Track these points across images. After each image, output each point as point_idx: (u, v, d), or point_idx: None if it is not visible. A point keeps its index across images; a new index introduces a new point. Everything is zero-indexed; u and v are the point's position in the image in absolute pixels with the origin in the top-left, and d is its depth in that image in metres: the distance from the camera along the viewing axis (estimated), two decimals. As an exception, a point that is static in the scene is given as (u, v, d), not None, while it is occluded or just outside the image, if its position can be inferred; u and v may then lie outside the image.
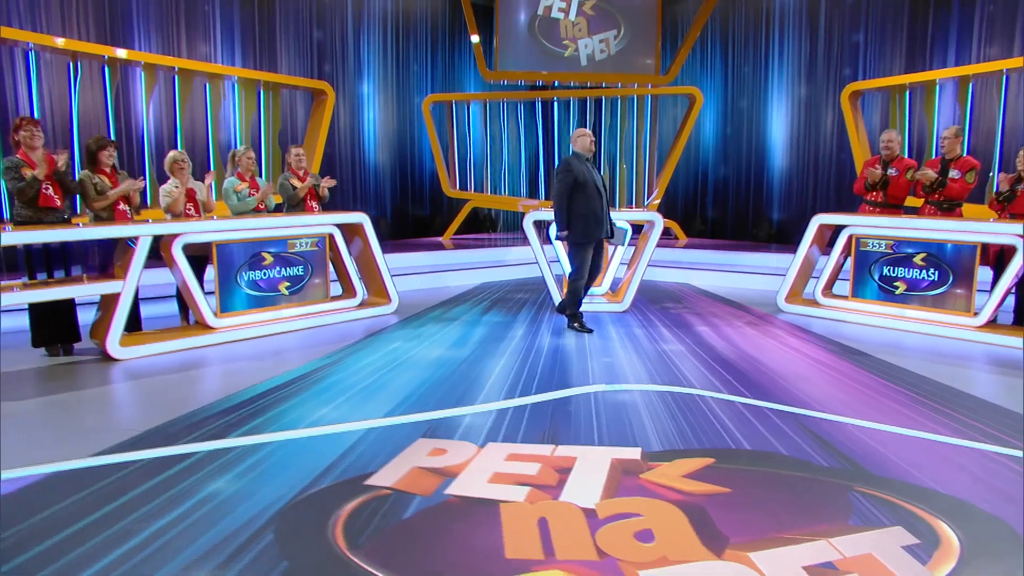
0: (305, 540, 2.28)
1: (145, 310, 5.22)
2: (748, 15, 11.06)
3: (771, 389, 3.93)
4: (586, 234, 5.22)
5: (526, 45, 9.84)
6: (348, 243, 6.22)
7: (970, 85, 7.61)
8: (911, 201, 6.18)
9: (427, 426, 3.36)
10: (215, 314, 5.18)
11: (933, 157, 6.82)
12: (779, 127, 10.79)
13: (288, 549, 2.21)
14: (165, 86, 7.84)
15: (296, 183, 5.98)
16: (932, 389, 3.96)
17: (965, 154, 6.02)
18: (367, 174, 11.76)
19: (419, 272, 8.14)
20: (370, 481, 2.75)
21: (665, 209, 12.02)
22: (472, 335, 5.39)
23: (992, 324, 5.23)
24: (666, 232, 10.64)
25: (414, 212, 12.25)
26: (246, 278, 5.36)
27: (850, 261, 5.85)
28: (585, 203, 5.15)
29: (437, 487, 2.70)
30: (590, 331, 5.41)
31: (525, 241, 6.36)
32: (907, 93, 8.00)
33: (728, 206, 11.47)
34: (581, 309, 5.54)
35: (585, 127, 9.42)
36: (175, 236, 4.93)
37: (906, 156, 6.02)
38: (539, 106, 11.02)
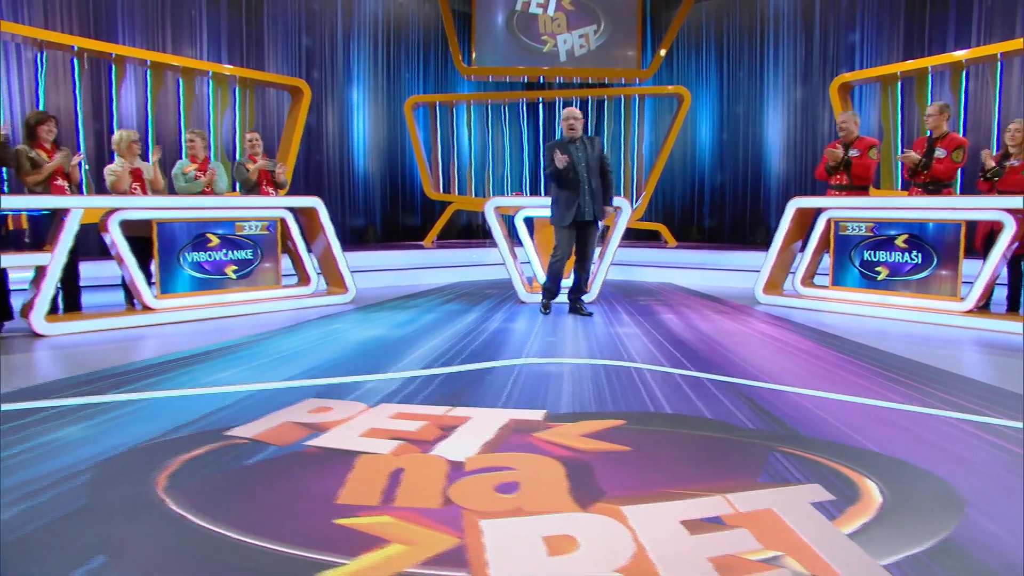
0: (123, 482, 2.02)
1: (102, 298, 5.05)
2: (742, 18, 10.85)
3: (720, 364, 3.58)
4: (559, 216, 5.09)
5: (504, 41, 9.70)
6: (304, 230, 6.01)
7: (964, 73, 7.25)
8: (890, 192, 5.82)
9: (326, 389, 3.07)
10: (155, 295, 4.96)
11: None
12: (776, 131, 10.48)
13: (99, 489, 1.95)
14: (137, 80, 7.80)
15: (249, 166, 5.81)
16: (894, 362, 3.58)
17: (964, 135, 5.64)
18: (356, 182, 11.65)
19: (393, 269, 7.91)
20: (231, 432, 2.47)
21: (661, 216, 11.71)
22: (420, 319, 5.11)
23: (984, 310, 4.83)
24: (655, 236, 10.46)
25: (405, 221, 12.08)
26: (189, 259, 5.15)
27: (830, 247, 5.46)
28: (563, 186, 5.04)
29: (300, 439, 2.42)
30: (547, 311, 5.27)
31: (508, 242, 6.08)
32: (899, 84, 7.65)
33: (725, 213, 11.12)
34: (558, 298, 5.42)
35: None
36: (112, 212, 4.75)
37: (871, 138, 5.65)
38: (523, 107, 10.83)
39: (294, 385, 3.17)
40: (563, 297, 5.52)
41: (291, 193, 10.83)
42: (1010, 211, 4.56)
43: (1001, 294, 5.11)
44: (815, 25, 10.03)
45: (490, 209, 5.95)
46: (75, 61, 6.91)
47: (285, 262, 5.95)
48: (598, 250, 5.97)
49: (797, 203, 5.64)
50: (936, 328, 4.71)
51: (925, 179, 5.25)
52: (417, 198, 12.01)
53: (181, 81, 7.54)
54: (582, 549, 1.63)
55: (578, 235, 5.19)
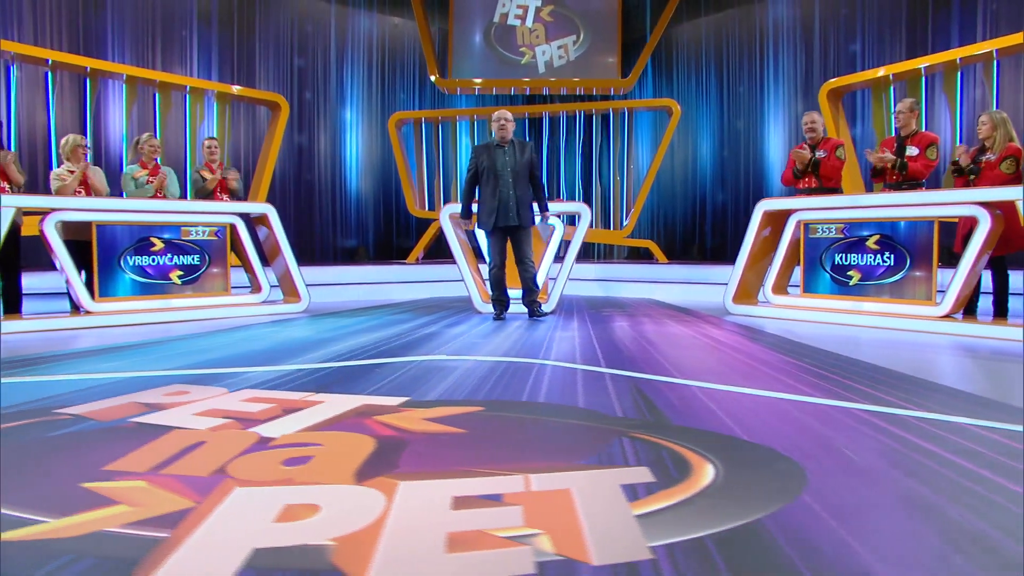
0: None
1: (52, 305, 5.07)
2: (741, 32, 10.75)
3: (635, 362, 3.38)
4: (484, 221, 5.11)
5: (481, 53, 9.73)
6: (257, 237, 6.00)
7: (959, 73, 6.97)
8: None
9: (206, 378, 2.96)
10: (92, 298, 4.96)
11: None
12: (777, 146, 10.25)
13: None
14: (114, 94, 8.00)
15: (206, 175, 5.84)
16: (827, 360, 3.31)
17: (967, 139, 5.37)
18: (348, 202, 11.74)
19: (367, 283, 7.85)
20: (62, 409, 2.37)
21: (662, 236, 11.49)
22: (357, 325, 5.00)
23: (970, 316, 4.52)
24: (646, 255, 10.24)
25: (398, 242, 12.09)
26: (131, 263, 5.15)
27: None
28: (487, 190, 5.05)
29: (127, 416, 2.30)
30: (501, 318, 5.20)
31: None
32: (891, 88, 7.40)
33: (727, 232, 10.85)
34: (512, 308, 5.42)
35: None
36: (47, 213, 4.79)
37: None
38: (521, 123, 10.81)
39: (174, 374, 3.07)
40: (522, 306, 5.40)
41: (282, 211, 11.02)
42: (984, 205, 4.28)
43: (987, 303, 4.79)
44: (815, 35, 9.87)
45: (444, 217, 5.85)
46: (49, 75, 7.12)
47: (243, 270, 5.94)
48: (560, 261, 5.82)
49: (764, 205, 5.41)
50: (910, 335, 4.40)
51: (897, 179, 4.99)
52: (412, 218, 12.01)
53: (158, 95, 7.71)
54: (314, 517, 1.45)
55: (510, 239, 5.16)
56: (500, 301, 5.27)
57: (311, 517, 1.46)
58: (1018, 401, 2.48)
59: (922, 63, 7.11)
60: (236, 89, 8.62)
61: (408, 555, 1.28)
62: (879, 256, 4.76)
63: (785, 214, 5.32)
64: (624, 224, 9.79)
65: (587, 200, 11.19)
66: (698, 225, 11.26)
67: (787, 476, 1.70)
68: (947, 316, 4.46)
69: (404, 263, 9.60)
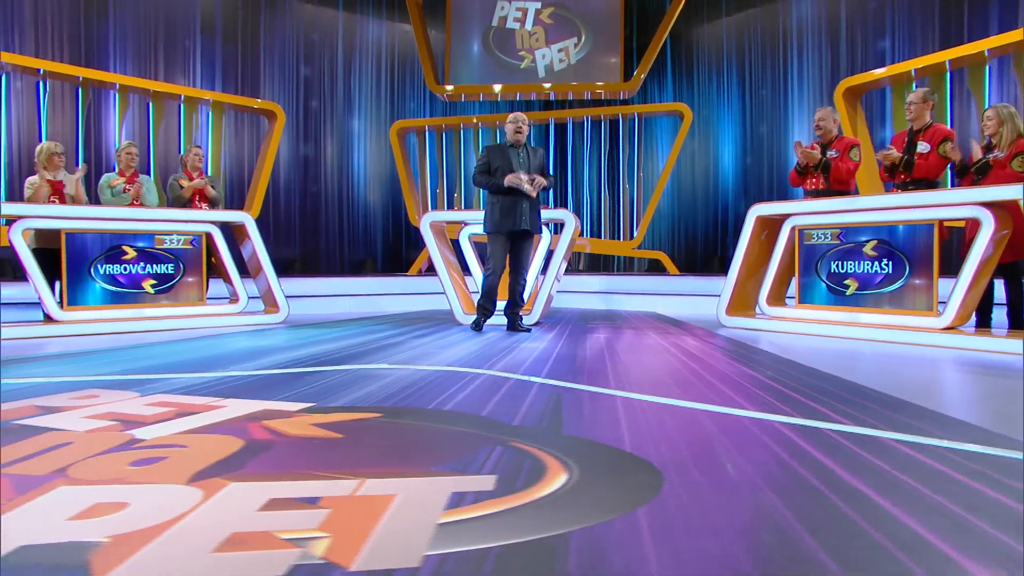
0: None
1: (27, 315, 5.26)
2: (764, 33, 10.61)
3: (580, 373, 3.35)
4: (493, 224, 5.08)
5: (480, 58, 9.79)
6: (240, 246, 6.12)
7: (987, 68, 6.73)
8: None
9: (125, 383, 3.03)
10: (61, 306, 5.12)
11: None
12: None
13: None
14: (107, 103, 8.30)
15: (184, 182, 5.99)
16: (791, 374, 3.20)
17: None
18: (356, 213, 11.90)
19: (359, 295, 7.92)
20: (-47, 413, 2.44)
21: (683, 248, 11.34)
22: (324, 336, 5.04)
23: (984, 329, 4.34)
24: (657, 267, 10.10)
25: (408, 254, 12.18)
26: (102, 271, 5.30)
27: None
28: (500, 193, 5.04)
29: (20, 417, 2.37)
30: (478, 329, 5.19)
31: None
32: (913, 86, 7.17)
33: (751, 243, 10.63)
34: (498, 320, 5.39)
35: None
36: (13, 220, 4.97)
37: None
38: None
39: (100, 379, 3.13)
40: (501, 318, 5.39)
41: (288, 222, 11.26)
42: (987, 205, 4.10)
43: (1001, 315, 4.58)
44: (840, 33, 9.68)
45: (425, 224, 5.88)
46: (41, 85, 7.43)
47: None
48: (549, 270, 5.79)
49: (758, 211, 5.29)
50: (910, 349, 4.22)
51: (905, 179, 4.82)
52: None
53: (152, 105, 7.97)
54: (110, 516, 1.46)
55: (512, 246, 5.11)
56: (486, 310, 5.25)
57: (107, 515, 1.46)
58: (988, 422, 2.36)
59: (947, 56, 6.89)
60: (230, 98, 8.85)
61: (171, 553, 1.27)
62: (877, 263, 4.60)
63: (781, 219, 5.20)
64: (634, 235, 9.68)
65: (596, 210, 11.14)
66: (719, 236, 11.08)
67: (635, 491, 1.63)
68: (950, 328, 4.27)
69: (407, 275, 9.67)
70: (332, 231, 11.78)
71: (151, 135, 7.99)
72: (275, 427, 2.26)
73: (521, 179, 4.96)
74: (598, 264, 12.42)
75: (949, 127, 6.40)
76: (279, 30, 10.97)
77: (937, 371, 3.42)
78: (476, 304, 5.29)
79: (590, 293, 8.17)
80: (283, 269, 11.06)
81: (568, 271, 12.58)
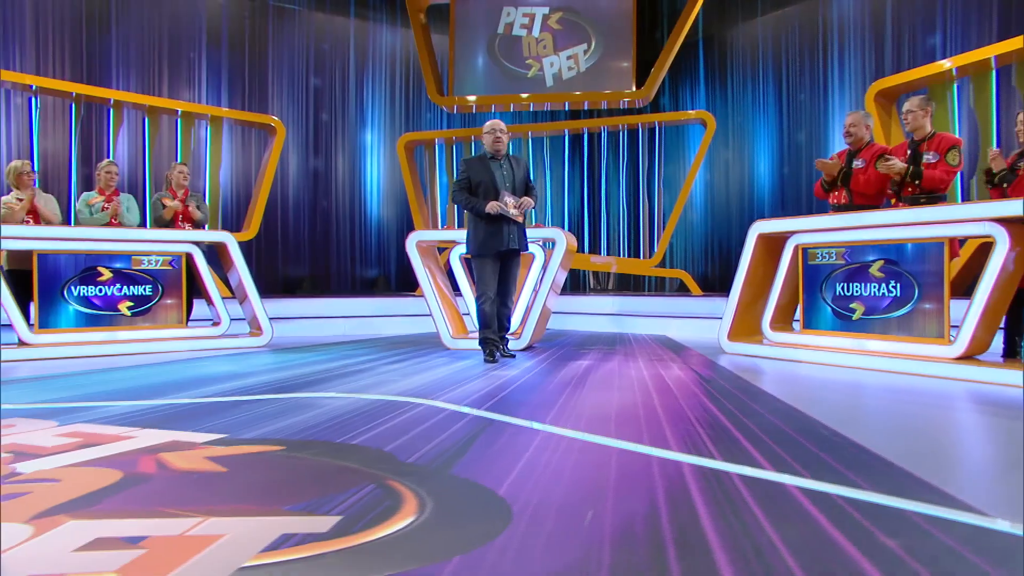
0: None
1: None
2: (802, 32, 10.48)
3: (523, 408, 3.38)
4: (478, 245, 5.04)
5: (485, 67, 9.89)
6: (226, 267, 6.33)
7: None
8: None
9: (63, 411, 3.18)
10: (32, 329, 5.38)
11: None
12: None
13: None
14: (102, 119, 8.70)
15: (167, 201, 6.23)
16: (752, 412, 3.16)
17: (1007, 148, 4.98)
18: (368, 230, 12.13)
19: (358, 317, 8.07)
20: None
21: (717, 266, 11.20)
22: (295, 361, 5.17)
23: (1011, 358, 4.23)
24: (680, 287, 9.98)
25: (422, 272, 12.36)
26: (76, 293, 5.55)
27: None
28: (483, 211, 4.96)
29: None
30: (493, 360, 5.01)
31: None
32: (955, 86, 6.98)
33: (789, 260, 10.45)
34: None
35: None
36: (-11, 241, 5.26)
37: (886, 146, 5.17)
38: (530, 142, 10.85)
39: (25, 408, 3.29)
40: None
41: (296, 239, 11.56)
42: (1001, 221, 3.97)
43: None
44: (886, 29, 9.48)
45: (411, 244, 5.98)
46: (33, 100, 7.83)
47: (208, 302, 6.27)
48: (540, 290, 5.82)
49: (759, 228, 5.23)
50: (918, 380, 4.10)
51: (913, 191, 4.71)
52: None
53: (148, 120, 8.33)
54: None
55: (500, 267, 5.14)
56: (493, 341, 5.11)
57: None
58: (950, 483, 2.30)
59: (992, 52, 6.68)
60: (228, 112, 9.18)
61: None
62: (884, 285, 4.50)
63: (784, 237, 5.12)
64: (653, 252, 9.61)
65: (615, 226, 11.11)
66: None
67: (477, 537, 1.66)
68: (964, 358, 4.14)
69: (415, 295, 9.80)
70: (343, 248, 12.04)
71: (147, 151, 8.35)
72: (166, 460, 2.35)
73: (507, 204, 4.90)
74: (627, 283, 12.37)
75: (960, 134, 6.22)
76: (288, 40, 11.34)
77: (933, 413, 3.32)
78: (480, 337, 5.19)
79: (602, 315, 8.15)
80: (291, 289, 11.37)
81: (593, 291, 12.60)
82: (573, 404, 3.34)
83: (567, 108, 10.12)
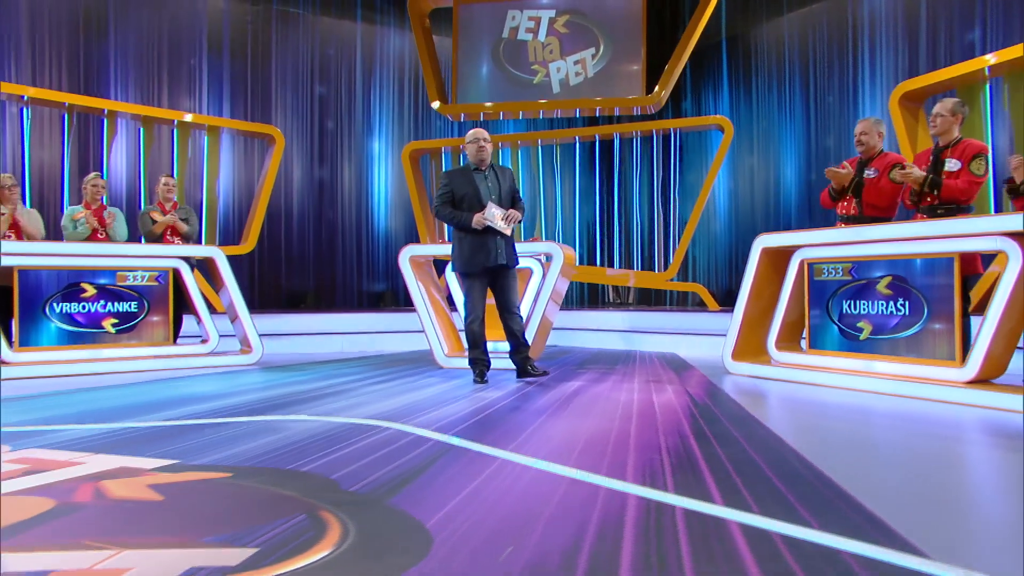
0: None
1: None
2: (830, 30, 10.44)
3: (500, 435, 3.44)
4: (464, 262, 5.04)
5: (489, 74, 9.98)
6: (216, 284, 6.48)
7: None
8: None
9: (21, 435, 3.31)
10: (11, 347, 5.55)
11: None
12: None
13: None
14: (95, 129, 8.95)
15: (157, 216, 6.40)
16: (736, 444, 3.17)
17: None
18: (375, 242, 12.27)
19: (357, 332, 8.19)
20: None
21: (740, 279, 11.15)
22: (279, 380, 5.28)
23: None
24: (697, 302, 9.94)
25: (432, 286, 12.47)
26: (58, 310, 5.72)
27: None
28: (465, 229, 4.98)
29: None
30: (483, 381, 5.06)
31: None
32: (987, 87, 6.89)
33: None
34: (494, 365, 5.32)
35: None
36: (-28, 257, 5.45)
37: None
38: (539, 151, 10.88)
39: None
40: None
41: (301, 252, 11.74)
42: (1014, 236, 3.93)
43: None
44: (921, 25, 9.39)
45: (404, 259, 6.07)
46: (24, 112, 8.09)
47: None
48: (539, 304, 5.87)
49: (764, 241, 5.21)
50: (928, 406, 4.05)
51: (932, 202, 4.67)
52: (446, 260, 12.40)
53: (143, 131, 8.56)
54: None
55: (493, 284, 5.13)
56: (481, 361, 5.14)
57: None
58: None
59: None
60: (225, 122, 9.38)
61: None
62: (892, 303, 4.46)
63: (790, 252, 5.11)
64: (668, 265, 9.60)
65: (626, 238, 11.10)
66: (782, 264, 10.84)
67: (386, 572, 1.71)
68: (977, 382, 4.09)
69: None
70: (349, 261, 12.20)
71: (142, 163, 8.57)
72: (105, 488, 2.44)
73: (494, 217, 4.88)
74: (648, 298, 12.36)
75: (992, 140, 6.14)
76: (292, 46, 11.57)
77: (931, 446, 3.30)
78: (468, 360, 5.22)
79: (612, 331, 8.17)
80: (294, 303, 11.54)
81: (613, 305, 12.60)
82: (545, 430, 3.38)
83: (578, 115, 10.18)
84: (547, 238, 10.53)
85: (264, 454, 2.90)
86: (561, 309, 11.02)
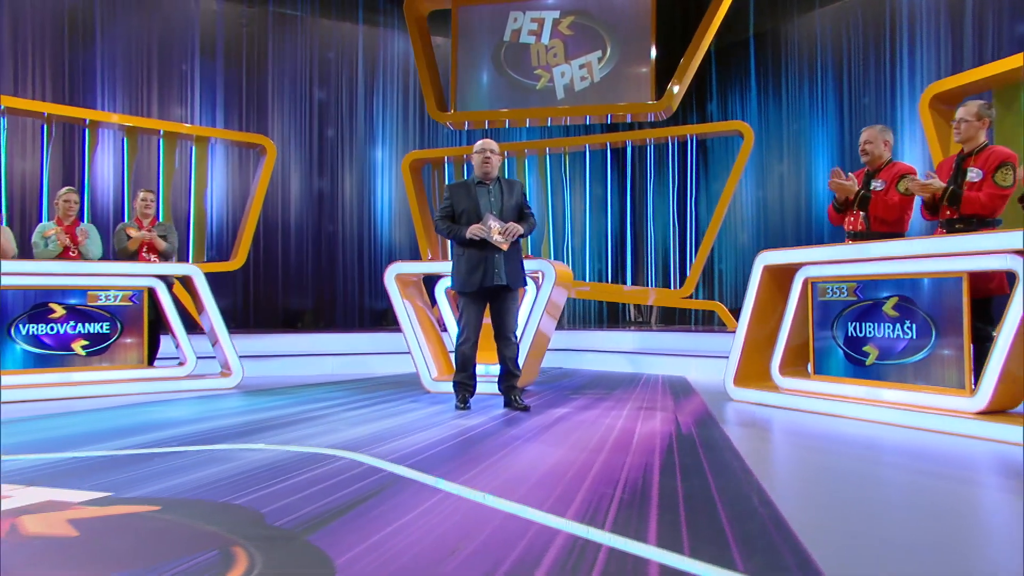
0: None
1: None
2: (866, 25, 10.44)
3: (457, 466, 3.54)
4: (461, 280, 5.08)
5: (490, 80, 10.09)
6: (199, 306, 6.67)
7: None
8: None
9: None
10: (-22, 371, 5.77)
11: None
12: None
13: None
14: (76, 139, 9.24)
15: (133, 232, 6.61)
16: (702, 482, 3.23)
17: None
18: (378, 257, 12.46)
19: (351, 354, 8.34)
20: None
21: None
22: (254, 406, 5.41)
23: None
24: (717, 321, 9.92)
25: (439, 303, 12.61)
26: (24, 332, 5.93)
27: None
28: (467, 241, 5.00)
29: None
30: (464, 407, 5.14)
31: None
32: (1025, 86, 6.84)
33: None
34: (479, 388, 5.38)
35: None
36: (-62, 277, 5.69)
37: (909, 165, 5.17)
38: (548, 159, 10.94)
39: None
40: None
41: (299, 268, 11.97)
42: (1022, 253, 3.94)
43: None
44: (966, 18, 9.35)
45: (390, 277, 6.20)
46: (1, 121, 8.39)
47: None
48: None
49: (765, 259, 5.25)
50: (935, 439, 4.05)
51: (952, 215, 4.68)
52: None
53: (126, 141, 8.83)
54: None
55: (492, 305, 5.17)
56: (466, 386, 5.21)
57: None
58: None
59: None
60: (213, 131, 9.63)
61: None
62: (899, 326, 4.48)
63: (793, 270, 5.15)
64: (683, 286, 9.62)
65: (641, 253, 11.11)
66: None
67: None
68: (989, 412, 4.09)
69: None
70: (351, 278, 12.40)
71: (125, 176, 8.83)
72: (22, 524, 2.56)
73: (489, 228, 4.90)
74: (671, 316, 12.37)
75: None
76: (289, 49, 11.85)
77: (927, 486, 3.32)
78: (453, 383, 5.29)
79: (619, 353, 8.23)
80: (291, 322, 11.75)
81: (634, 324, 12.62)
82: (506, 462, 3.46)
83: (588, 121, 10.27)
84: (556, 254, 10.61)
85: (204, 486, 3.02)
86: (573, 329, 11.12)
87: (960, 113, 4.76)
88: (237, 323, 11.27)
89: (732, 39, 11.86)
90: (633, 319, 13.00)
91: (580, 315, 13.33)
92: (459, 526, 2.44)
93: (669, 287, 10.16)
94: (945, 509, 2.71)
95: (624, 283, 11.36)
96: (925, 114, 7.27)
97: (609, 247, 11.23)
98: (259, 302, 11.66)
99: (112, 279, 6.24)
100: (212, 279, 9.47)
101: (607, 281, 11.20)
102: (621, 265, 11.73)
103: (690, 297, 9.53)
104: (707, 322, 11.72)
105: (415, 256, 12.47)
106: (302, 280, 12.08)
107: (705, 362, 7.38)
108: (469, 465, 3.37)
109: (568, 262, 10.64)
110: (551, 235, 10.66)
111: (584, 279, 11.00)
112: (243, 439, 4.07)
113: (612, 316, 13.16)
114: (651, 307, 12.09)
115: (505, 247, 4.99)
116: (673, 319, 12.39)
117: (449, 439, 4.06)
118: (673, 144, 9.95)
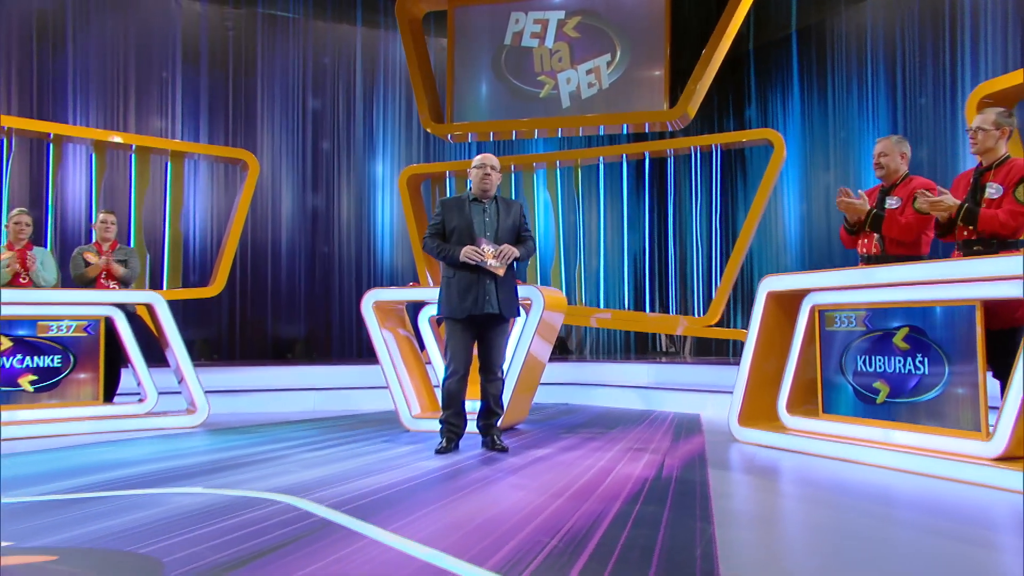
0: None
1: None
2: (923, 18, 10.47)
3: (394, 511, 3.71)
4: (450, 306, 5.17)
5: (490, 87, 10.25)
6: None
7: None
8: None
9: None
10: (-82, 408, 6.06)
11: None
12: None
13: None
14: (39, 155, 9.60)
15: (92, 258, 6.90)
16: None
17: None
18: (379, 281, 12.69)
19: (327, 388, 8.56)
20: None
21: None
22: (208, 446, 5.62)
23: None
24: (734, 350, 9.93)
25: (444, 333, 12.80)
26: (-34, 366, 6.23)
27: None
28: (457, 264, 5.10)
29: None
30: (447, 449, 5.23)
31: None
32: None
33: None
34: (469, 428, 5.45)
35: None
36: None
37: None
38: (558, 173, 11.04)
39: None
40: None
41: (291, 294, 12.26)
42: (1035, 281, 4.01)
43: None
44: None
45: (367, 305, 6.39)
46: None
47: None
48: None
49: (769, 284, 5.34)
50: (950, 487, 4.10)
51: (969, 236, 4.74)
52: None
53: (94, 157, 9.19)
54: None
55: (481, 335, 5.27)
56: (453, 425, 5.29)
57: None
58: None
59: None
60: (189, 146, 9.97)
61: None
62: (910, 360, 4.54)
63: (800, 296, 5.24)
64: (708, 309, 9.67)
65: (660, 275, 11.12)
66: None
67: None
68: (1008, 458, 4.13)
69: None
70: (347, 303, 12.64)
71: (93, 195, 9.17)
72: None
73: (483, 253, 5.01)
74: (707, 347, 12.41)
75: None
76: (281, 54, 12.22)
77: (932, 549, 3.39)
78: (439, 420, 5.37)
79: (633, 388, 8.34)
80: (281, 353, 12.03)
81: (666, 355, 12.67)
82: (449, 508, 3.62)
83: (602, 131, 10.43)
84: (567, 277, 10.72)
85: (116, 533, 3.20)
86: (592, 360, 11.21)
87: (977, 121, 4.81)
88: (222, 354, 11.59)
89: (772, 36, 11.97)
90: (665, 349, 13.06)
91: (604, 345, 13.43)
92: (369, 575, 2.59)
93: (694, 314, 10.23)
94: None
95: (645, 309, 11.46)
96: (972, 117, 7.29)
97: (625, 270, 11.32)
98: (246, 331, 11.95)
99: (65, 308, 6.52)
100: (194, 306, 9.80)
101: (627, 308, 11.28)
102: (641, 289, 11.80)
103: (718, 325, 9.59)
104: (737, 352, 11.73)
105: (415, 280, 12.72)
106: (293, 307, 12.36)
107: (723, 399, 7.42)
108: (406, 511, 3.52)
109: (583, 286, 10.76)
110: (562, 256, 10.78)
111: (599, 305, 11.09)
112: (184, 482, 4.27)
113: (641, 345, 13.24)
114: (683, 336, 12.15)
115: (501, 272, 5.09)
116: (709, 349, 12.44)
117: (401, 483, 4.20)
118: (696, 154, 10.04)
